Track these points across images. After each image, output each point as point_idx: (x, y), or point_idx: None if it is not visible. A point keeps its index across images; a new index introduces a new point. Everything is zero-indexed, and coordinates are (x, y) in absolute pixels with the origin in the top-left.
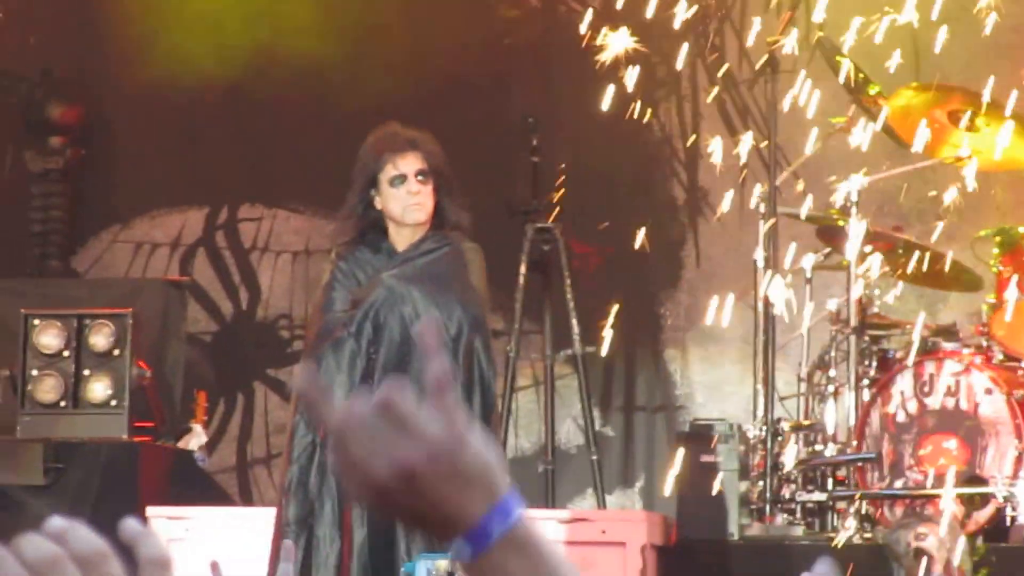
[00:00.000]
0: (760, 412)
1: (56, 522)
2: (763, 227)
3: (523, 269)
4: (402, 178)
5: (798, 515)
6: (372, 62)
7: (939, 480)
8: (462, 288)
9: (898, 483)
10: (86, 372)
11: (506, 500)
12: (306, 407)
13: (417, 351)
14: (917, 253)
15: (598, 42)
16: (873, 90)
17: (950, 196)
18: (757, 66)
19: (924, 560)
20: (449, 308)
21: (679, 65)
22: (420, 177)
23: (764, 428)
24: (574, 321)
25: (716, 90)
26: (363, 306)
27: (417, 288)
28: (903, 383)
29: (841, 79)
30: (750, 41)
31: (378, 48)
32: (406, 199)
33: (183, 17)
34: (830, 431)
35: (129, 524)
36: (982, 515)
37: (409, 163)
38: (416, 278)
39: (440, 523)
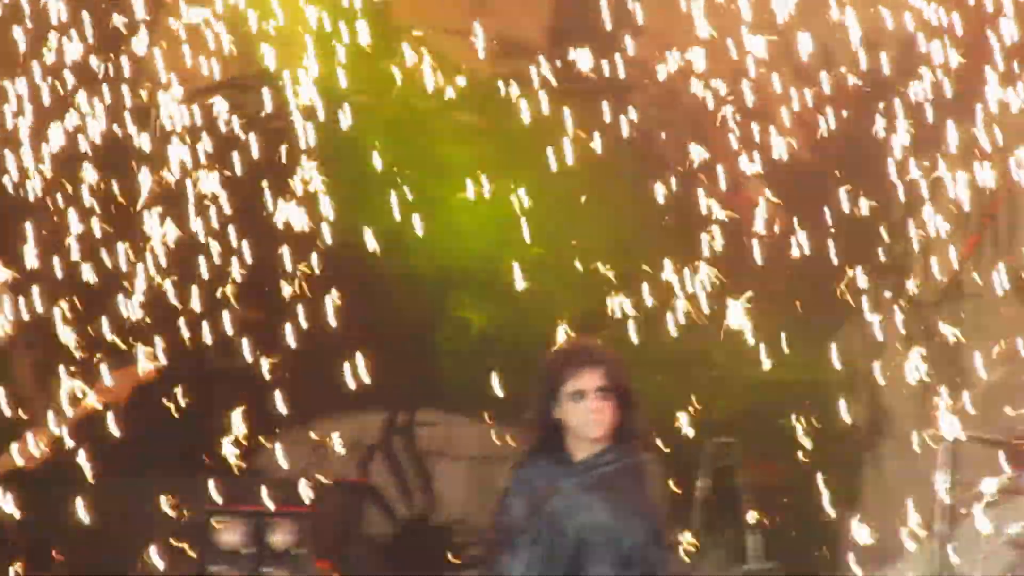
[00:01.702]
0: None
1: None
2: (945, 450)
3: (701, 483)
4: (582, 394)
5: None
6: (561, 287)
7: None
8: (641, 500)
9: None
10: (267, 570)
11: None
12: None
13: (593, 559)
14: None
15: None
16: None
17: None
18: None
19: None
20: (628, 519)
21: None
22: (600, 393)
23: None
24: (751, 538)
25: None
26: (541, 513)
27: (596, 497)
28: None
29: None
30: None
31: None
32: (585, 414)
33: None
34: None
35: None
36: None
37: (590, 379)
38: (595, 488)
39: None
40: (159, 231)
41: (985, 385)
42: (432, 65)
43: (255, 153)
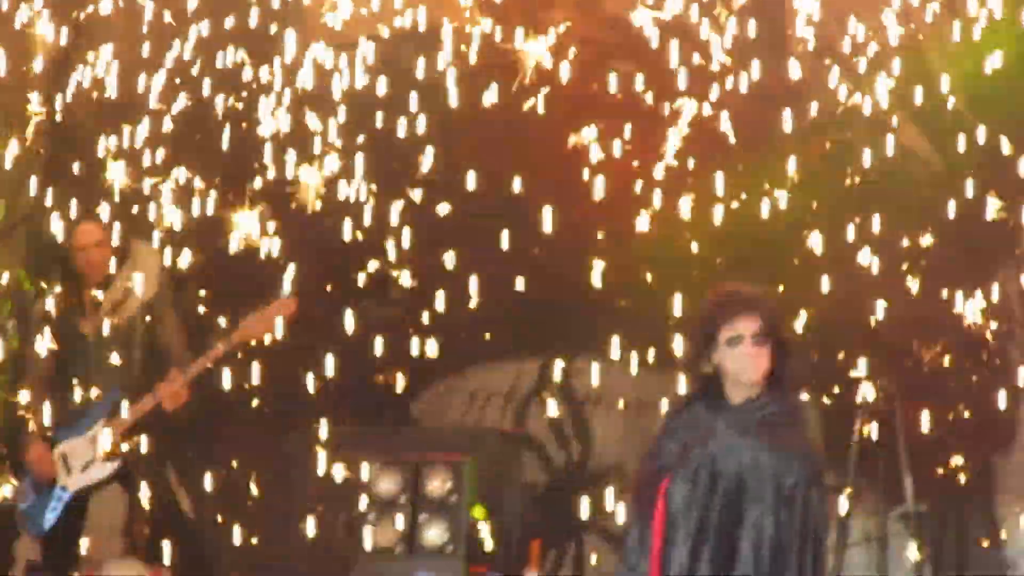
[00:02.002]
0: None
1: None
2: None
3: (858, 425)
4: (738, 339)
5: None
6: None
7: None
8: (799, 442)
9: None
10: (423, 517)
11: None
12: None
13: (752, 500)
14: None
15: None
16: None
17: None
18: None
19: None
20: (787, 460)
21: None
22: (756, 339)
23: None
24: (907, 479)
25: None
26: (697, 456)
27: (753, 439)
28: None
29: None
30: None
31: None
32: (742, 360)
33: None
34: None
35: None
36: None
37: (746, 325)
38: (752, 430)
39: None
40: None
41: None
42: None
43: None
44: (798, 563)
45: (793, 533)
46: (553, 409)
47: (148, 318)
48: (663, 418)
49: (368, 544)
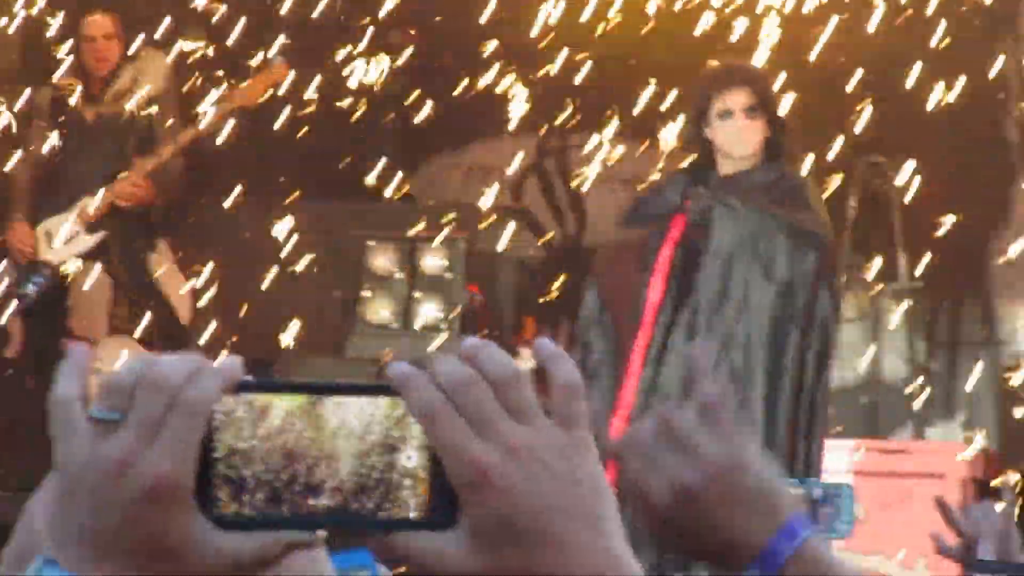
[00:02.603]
0: None
1: (470, 342)
2: None
3: (853, 202)
4: (729, 113)
5: None
6: None
7: None
8: (810, 222)
9: None
10: (417, 295)
11: (792, 521)
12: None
13: (758, 276)
14: None
15: None
16: None
17: None
18: None
19: None
20: (797, 244)
21: None
22: (748, 112)
23: None
24: (901, 255)
25: None
26: (691, 216)
27: (754, 208)
28: None
29: None
30: None
31: None
32: (732, 133)
33: None
34: None
35: (543, 344)
36: None
37: (737, 99)
38: (750, 197)
39: (724, 549)
40: None
41: None
42: None
43: None
44: (799, 354)
45: (796, 320)
46: (549, 185)
47: (150, 113)
48: (650, 187)
49: (363, 320)
